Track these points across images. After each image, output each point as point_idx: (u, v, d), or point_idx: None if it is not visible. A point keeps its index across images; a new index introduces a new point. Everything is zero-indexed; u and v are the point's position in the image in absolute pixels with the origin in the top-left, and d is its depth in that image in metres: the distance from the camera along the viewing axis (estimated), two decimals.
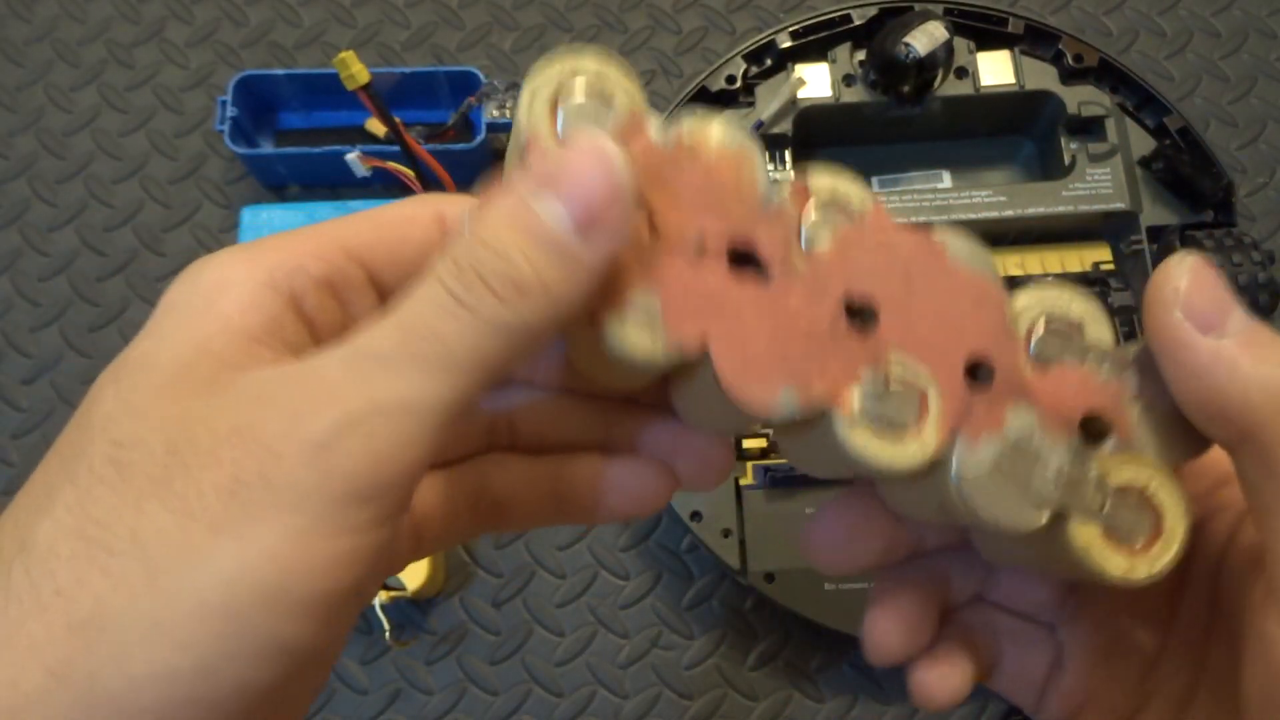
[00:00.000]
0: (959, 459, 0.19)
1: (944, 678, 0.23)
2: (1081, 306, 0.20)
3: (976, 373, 0.20)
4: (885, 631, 0.23)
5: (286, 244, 0.19)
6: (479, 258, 0.17)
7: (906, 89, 0.52)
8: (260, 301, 0.18)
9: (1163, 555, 0.19)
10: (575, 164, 0.17)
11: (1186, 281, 0.19)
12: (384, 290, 0.20)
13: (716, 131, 0.20)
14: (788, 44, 0.53)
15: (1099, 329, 0.20)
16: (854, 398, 0.19)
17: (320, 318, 0.19)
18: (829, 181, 0.20)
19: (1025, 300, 0.20)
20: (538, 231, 0.17)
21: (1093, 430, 0.20)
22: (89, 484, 0.16)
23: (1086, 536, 0.19)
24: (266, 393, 0.16)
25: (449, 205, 0.21)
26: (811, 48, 0.53)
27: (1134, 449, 0.20)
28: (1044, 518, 0.19)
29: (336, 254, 0.19)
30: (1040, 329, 0.20)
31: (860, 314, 0.20)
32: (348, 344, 0.17)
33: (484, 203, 0.18)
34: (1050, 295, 0.20)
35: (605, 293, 0.18)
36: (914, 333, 0.19)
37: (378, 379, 0.16)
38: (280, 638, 0.15)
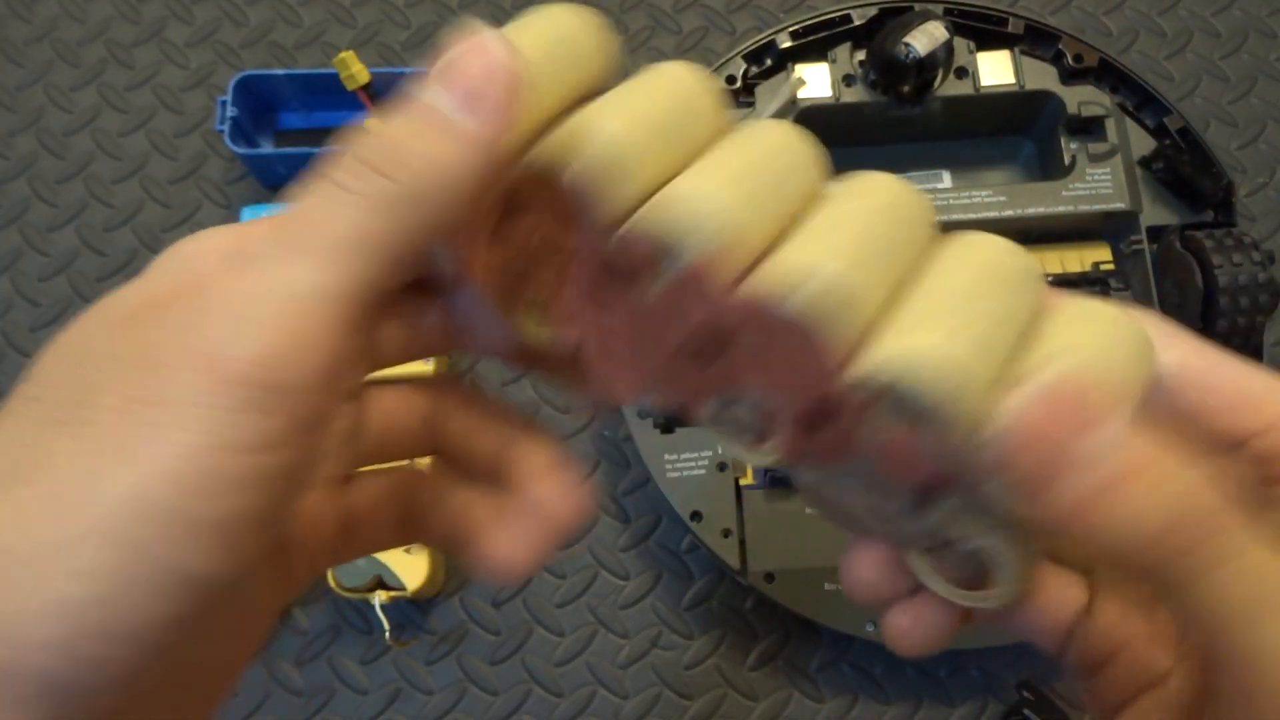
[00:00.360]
0: (796, 477, 0.21)
1: (918, 621, 0.21)
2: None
3: (824, 413, 0.19)
4: (862, 572, 0.21)
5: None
6: (366, 146, 0.17)
7: (906, 89, 0.52)
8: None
9: (990, 600, 0.20)
10: (460, 54, 0.18)
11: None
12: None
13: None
14: (788, 44, 0.53)
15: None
16: (707, 407, 0.20)
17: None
18: None
19: (874, 364, 0.18)
20: (422, 113, 0.17)
21: (933, 488, 0.19)
22: (11, 422, 0.16)
23: (920, 564, 0.20)
24: (166, 317, 0.16)
25: None
26: (811, 48, 0.53)
27: (972, 511, 0.19)
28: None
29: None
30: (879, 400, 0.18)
31: (718, 340, 0.20)
32: (226, 253, 0.17)
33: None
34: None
35: (513, 288, 0.20)
36: (766, 367, 0.19)
37: (258, 273, 0.16)
38: (182, 565, 0.14)
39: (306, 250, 0.16)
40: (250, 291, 0.16)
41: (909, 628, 0.21)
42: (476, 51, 0.18)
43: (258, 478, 0.15)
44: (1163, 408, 0.19)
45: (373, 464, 0.22)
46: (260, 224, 0.17)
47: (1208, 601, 0.16)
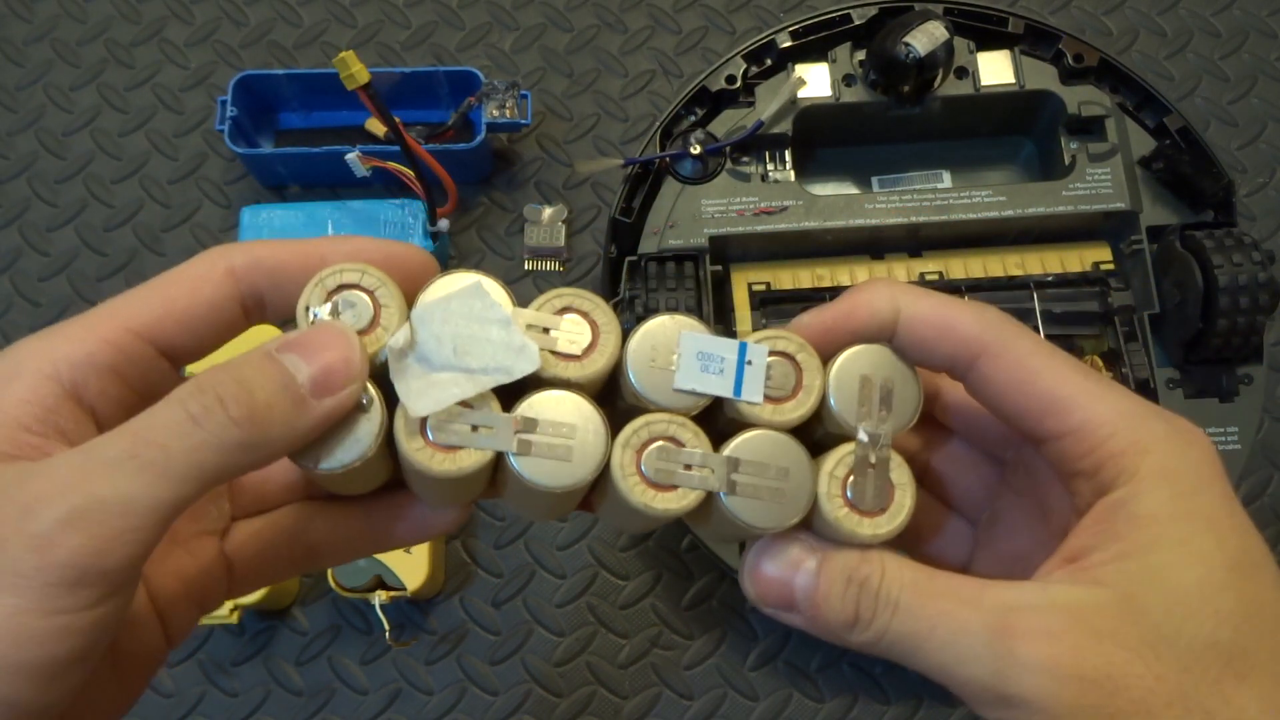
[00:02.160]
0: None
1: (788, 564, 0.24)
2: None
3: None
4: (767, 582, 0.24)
5: (78, 331, 0.22)
6: (222, 385, 0.20)
7: (906, 89, 0.52)
8: (39, 394, 0.21)
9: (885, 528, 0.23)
10: (320, 336, 0.21)
11: (752, 592, 0.23)
12: (179, 357, 0.23)
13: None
14: (788, 44, 0.53)
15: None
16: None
17: (101, 404, 0.22)
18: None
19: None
20: (279, 374, 0.20)
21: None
22: None
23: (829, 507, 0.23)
24: (6, 486, 0.19)
25: (237, 255, 0.23)
26: (811, 48, 0.53)
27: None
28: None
29: (123, 336, 0.22)
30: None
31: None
32: (85, 446, 0.20)
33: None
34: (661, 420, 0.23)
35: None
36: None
37: (102, 478, 0.19)
38: (11, 697, 0.18)
39: (149, 471, 0.19)
40: (93, 494, 0.19)
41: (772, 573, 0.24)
42: (339, 340, 0.21)
43: (68, 631, 0.19)
44: (993, 408, 0.23)
45: (252, 514, 0.26)
46: (121, 433, 0.20)
47: (895, 653, 0.23)
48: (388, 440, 0.22)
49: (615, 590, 0.54)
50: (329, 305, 0.22)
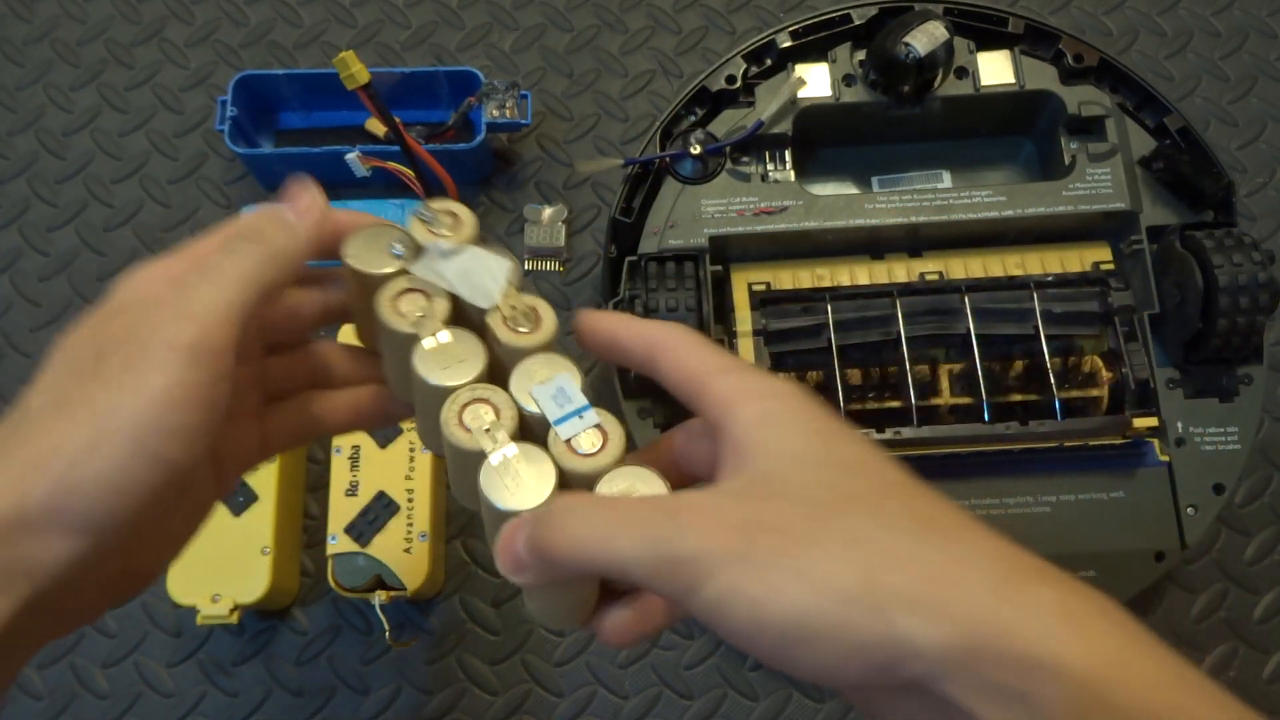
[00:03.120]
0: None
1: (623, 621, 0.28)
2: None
3: None
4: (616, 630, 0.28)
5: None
6: (247, 227, 0.28)
7: (906, 89, 0.52)
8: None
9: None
10: (297, 193, 0.29)
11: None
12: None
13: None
14: (788, 44, 0.53)
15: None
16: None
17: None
18: None
19: None
20: (269, 214, 0.28)
21: None
22: (49, 376, 0.26)
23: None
24: (142, 314, 0.26)
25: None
26: (811, 48, 0.53)
27: None
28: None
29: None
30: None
31: None
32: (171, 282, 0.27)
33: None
34: None
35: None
36: None
37: (192, 291, 0.26)
38: (163, 452, 0.25)
39: (216, 280, 0.26)
40: (188, 302, 0.26)
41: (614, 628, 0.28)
42: (305, 192, 0.29)
43: (203, 403, 0.25)
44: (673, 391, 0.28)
45: (285, 337, 0.32)
46: (182, 259, 0.28)
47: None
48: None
49: None
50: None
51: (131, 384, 0.25)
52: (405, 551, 0.50)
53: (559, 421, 0.27)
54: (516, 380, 0.27)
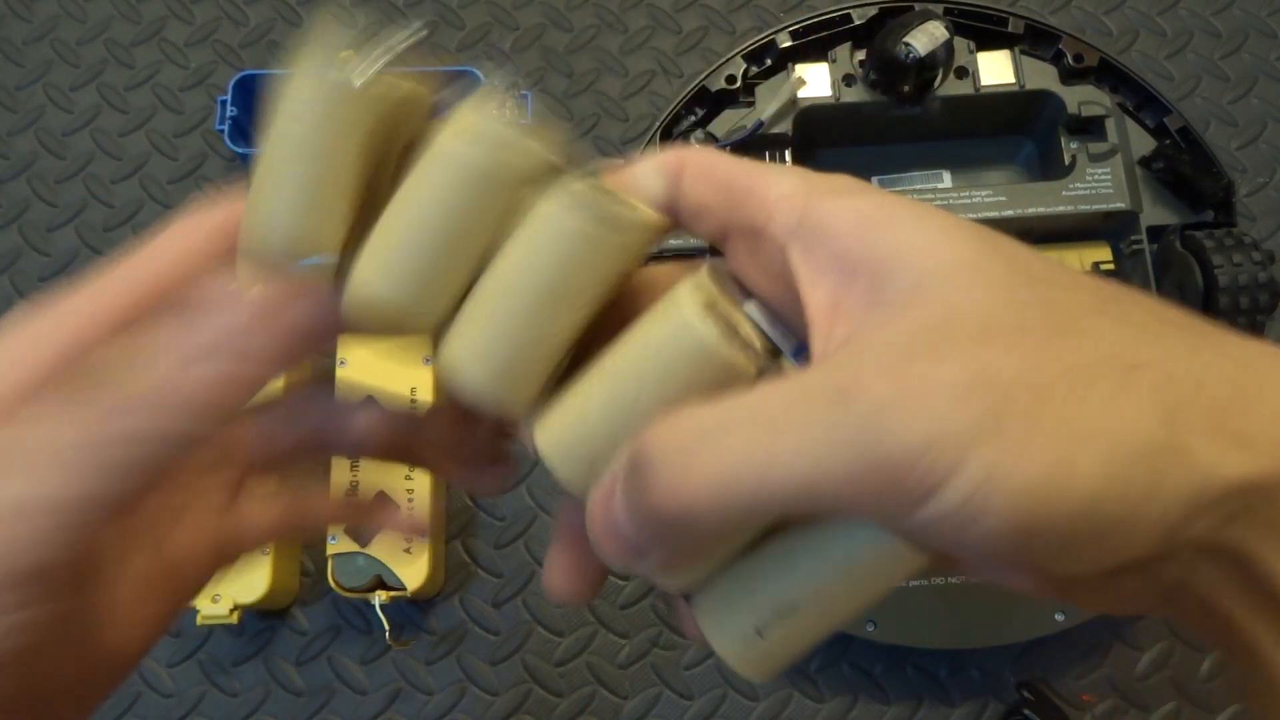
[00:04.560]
0: None
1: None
2: None
3: None
4: (560, 576, 0.22)
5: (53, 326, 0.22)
6: (124, 376, 0.19)
7: (906, 89, 0.52)
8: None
9: None
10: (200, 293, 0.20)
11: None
12: None
13: None
14: (788, 44, 0.53)
15: None
16: None
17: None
18: None
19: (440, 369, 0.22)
20: (165, 341, 0.19)
21: None
22: None
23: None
24: None
25: (219, 215, 0.21)
26: (811, 48, 0.53)
27: None
28: None
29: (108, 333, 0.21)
30: None
31: None
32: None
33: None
34: None
35: None
36: None
37: (12, 476, 0.18)
38: None
39: (63, 464, 0.18)
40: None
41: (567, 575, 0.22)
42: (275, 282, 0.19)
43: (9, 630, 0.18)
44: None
45: (265, 474, 0.26)
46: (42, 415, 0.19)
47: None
48: None
49: (615, 590, 0.54)
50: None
51: None
52: (405, 551, 0.50)
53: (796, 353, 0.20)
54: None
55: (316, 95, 0.19)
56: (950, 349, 0.16)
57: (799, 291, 0.18)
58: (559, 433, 0.19)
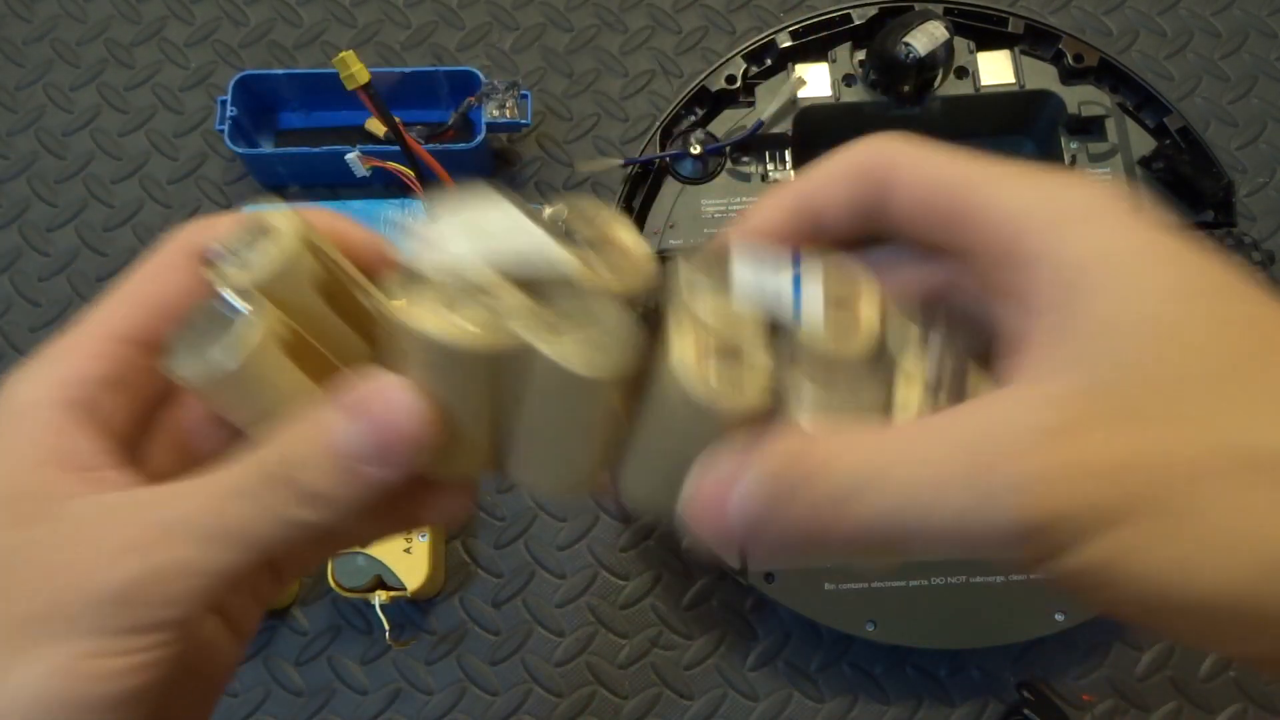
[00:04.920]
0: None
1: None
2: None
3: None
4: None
5: (73, 353, 0.21)
6: (287, 465, 0.20)
7: (907, 89, 0.52)
8: (57, 424, 0.21)
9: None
10: (381, 399, 0.20)
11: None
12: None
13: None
14: (788, 44, 0.53)
15: None
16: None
17: (116, 419, 0.21)
18: None
19: None
20: (338, 452, 0.20)
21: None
22: None
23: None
24: (70, 535, 0.19)
25: (197, 234, 0.22)
26: (811, 48, 0.53)
27: None
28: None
29: (114, 348, 0.21)
30: None
31: None
32: (153, 503, 0.20)
33: (294, 420, 0.20)
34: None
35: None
36: None
37: (167, 545, 0.19)
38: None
39: (212, 540, 0.19)
40: (159, 563, 0.19)
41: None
42: (400, 406, 0.20)
43: (132, 669, 0.19)
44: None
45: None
46: (187, 497, 0.20)
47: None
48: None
49: (615, 590, 0.54)
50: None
51: (33, 644, 0.19)
52: (405, 551, 0.50)
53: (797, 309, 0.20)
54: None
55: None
56: (1103, 417, 0.16)
57: (1003, 309, 0.18)
58: (638, 491, 0.22)
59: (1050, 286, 0.17)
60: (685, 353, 0.19)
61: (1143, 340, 0.16)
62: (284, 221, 0.21)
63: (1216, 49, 0.64)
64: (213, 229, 0.22)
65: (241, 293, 0.20)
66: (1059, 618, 0.48)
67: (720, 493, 0.18)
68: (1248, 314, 0.17)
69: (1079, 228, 0.17)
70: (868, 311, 0.20)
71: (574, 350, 0.19)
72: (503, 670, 0.53)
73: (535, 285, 0.20)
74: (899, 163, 0.20)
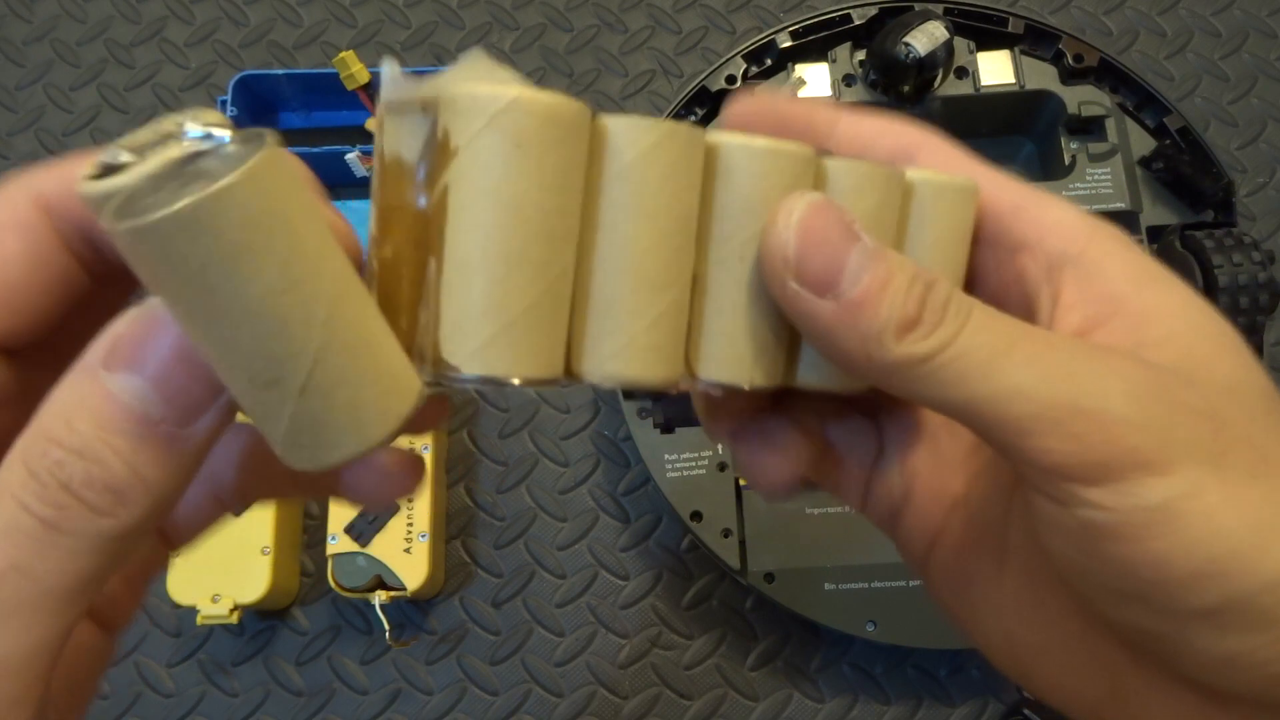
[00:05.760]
0: None
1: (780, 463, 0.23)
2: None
3: None
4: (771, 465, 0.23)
5: None
6: (61, 464, 0.14)
7: (906, 89, 0.52)
8: None
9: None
10: (139, 332, 0.15)
11: (794, 245, 0.18)
12: (7, 344, 0.17)
13: None
14: (788, 44, 0.53)
15: None
16: None
17: None
18: None
19: None
20: (124, 420, 0.15)
21: None
22: None
23: None
24: None
25: (48, 182, 0.17)
26: (811, 48, 0.53)
27: None
28: None
29: None
30: None
31: None
32: None
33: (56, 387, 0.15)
34: None
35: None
36: None
37: None
38: None
39: (20, 613, 0.14)
40: None
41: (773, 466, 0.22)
42: (155, 328, 0.15)
43: None
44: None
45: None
46: None
47: (946, 376, 0.17)
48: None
49: (615, 590, 0.54)
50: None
51: None
52: (405, 551, 0.50)
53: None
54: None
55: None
56: (1193, 389, 0.17)
57: (1039, 302, 0.20)
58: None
59: (1115, 295, 0.19)
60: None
61: (1199, 336, 0.19)
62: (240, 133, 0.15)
63: (1216, 49, 0.64)
64: (75, 174, 0.15)
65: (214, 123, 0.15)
66: None
67: (839, 243, 0.18)
68: (1235, 363, 0.19)
69: (1122, 256, 0.20)
70: None
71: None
72: (503, 670, 0.53)
73: None
74: (924, 148, 0.21)
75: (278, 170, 0.14)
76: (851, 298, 0.17)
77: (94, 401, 0.15)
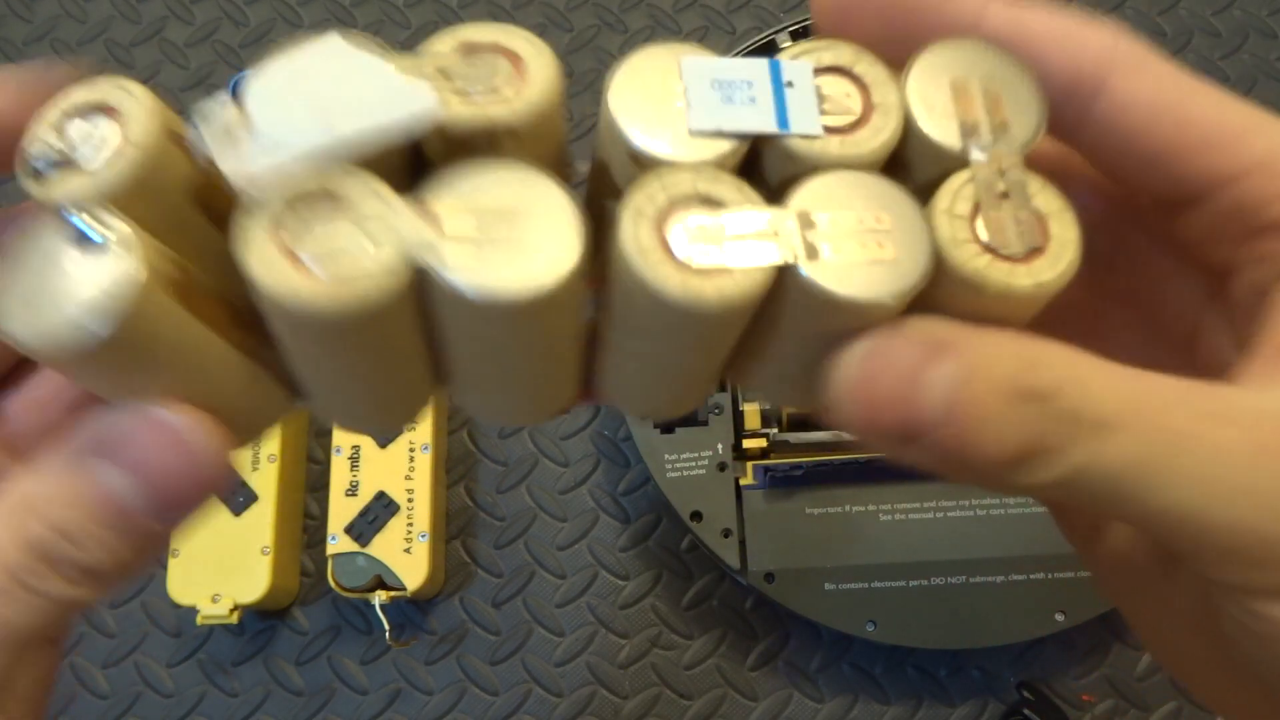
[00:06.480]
0: None
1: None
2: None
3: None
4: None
5: None
6: (43, 540, 0.15)
7: None
8: None
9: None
10: (139, 430, 0.15)
11: (859, 423, 0.15)
12: None
13: None
14: (788, 44, 0.53)
15: None
16: None
17: None
18: None
19: None
20: (112, 514, 0.15)
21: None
22: None
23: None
24: None
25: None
26: None
27: None
28: None
29: None
30: None
31: None
32: None
33: (37, 461, 0.16)
34: None
35: None
36: None
37: None
38: None
39: None
40: None
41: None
42: (170, 443, 0.15)
43: None
44: (1125, 150, 0.16)
45: None
46: None
47: (1094, 494, 0.14)
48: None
49: (615, 590, 0.54)
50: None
51: None
52: (405, 551, 0.50)
53: (784, 120, 0.15)
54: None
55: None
56: None
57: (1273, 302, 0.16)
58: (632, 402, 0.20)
59: None
60: (638, 235, 0.15)
61: None
62: (131, 99, 0.15)
63: (1216, 49, 0.64)
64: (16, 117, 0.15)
65: (91, 211, 0.14)
66: (1059, 618, 0.48)
67: (903, 384, 0.14)
68: None
69: None
70: (883, 96, 0.15)
71: (491, 264, 0.14)
72: (503, 670, 0.53)
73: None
74: (1119, 62, 0.16)
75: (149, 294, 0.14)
76: (943, 444, 0.14)
77: (83, 489, 0.15)
